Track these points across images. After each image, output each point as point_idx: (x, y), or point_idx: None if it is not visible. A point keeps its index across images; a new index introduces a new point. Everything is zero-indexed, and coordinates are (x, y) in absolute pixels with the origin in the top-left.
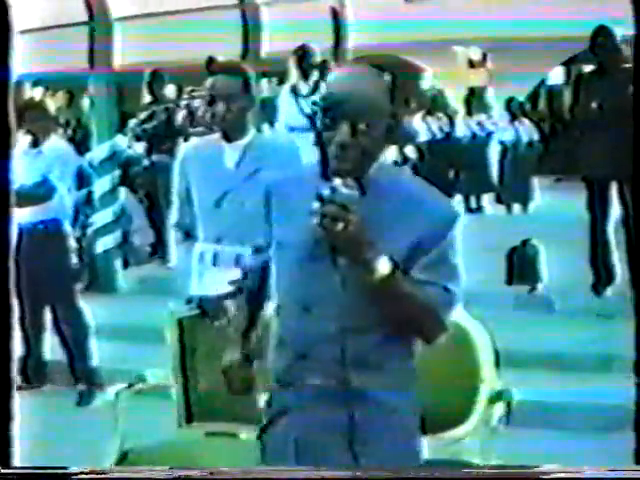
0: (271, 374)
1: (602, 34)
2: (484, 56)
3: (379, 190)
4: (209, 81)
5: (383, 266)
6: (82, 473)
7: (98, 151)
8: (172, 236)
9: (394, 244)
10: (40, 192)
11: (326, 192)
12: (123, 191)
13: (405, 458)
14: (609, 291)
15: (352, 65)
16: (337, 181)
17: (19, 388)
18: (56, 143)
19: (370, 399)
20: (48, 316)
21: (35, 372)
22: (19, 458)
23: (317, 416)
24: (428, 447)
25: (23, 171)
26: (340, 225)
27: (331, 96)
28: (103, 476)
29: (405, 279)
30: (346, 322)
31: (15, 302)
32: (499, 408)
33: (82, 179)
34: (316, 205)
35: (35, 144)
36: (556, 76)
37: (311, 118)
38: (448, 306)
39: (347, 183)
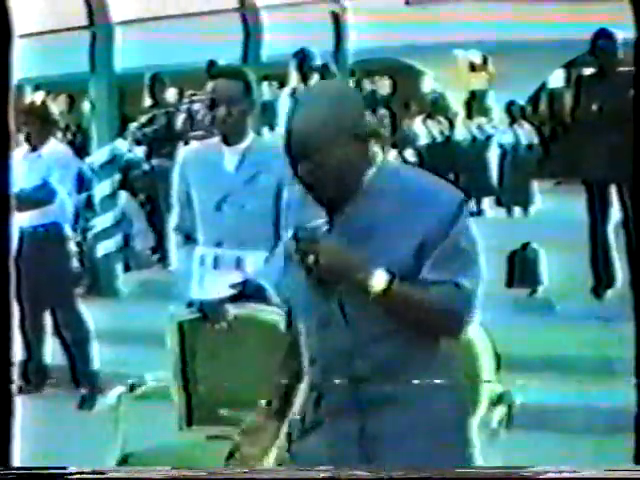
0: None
1: (602, 37)
2: (485, 59)
3: (378, 195)
4: (210, 85)
5: (378, 280)
6: (82, 473)
7: (98, 155)
8: (172, 240)
9: (400, 248)
10: (40, 196)
11: (292, 232)
12: (123, 195)
13: (442, 458)
14: (609, 294)
15: (299, 101)
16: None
17: (20, 392)
18: (56, 147)
19: (394, 407)
20: (48, 320)
21: (36, 376)
22: (20, 461)
23: (342, 429)
24: None
25: (23, 175)
26: (311, 258)
27: (284, 137)
28: (103, 476)
29: (408, 285)
30: (362, 334)
31: (15, 306)
32: (500, 411)
33: (82, 183)
34: (290, 246)
35: (34, 148)
36: (557, 79)
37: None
38: (462, 303)
39: (313, 220)
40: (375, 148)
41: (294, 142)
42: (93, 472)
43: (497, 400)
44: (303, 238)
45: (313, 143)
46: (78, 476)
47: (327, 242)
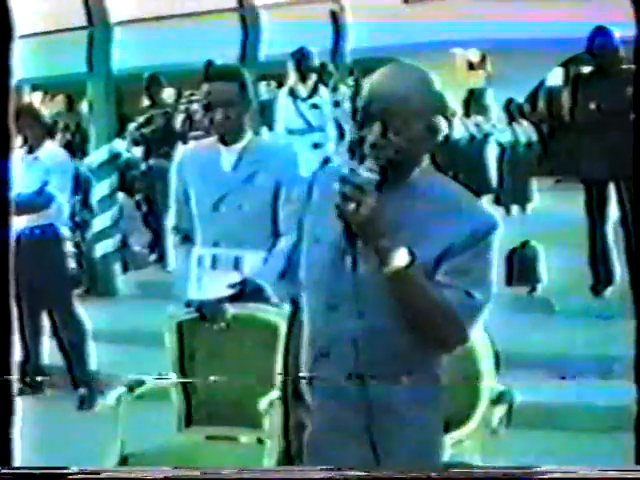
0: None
1: (600, 35)
2: (483, 58)
3: (417, 193)
4: (205, 87)
5: (401, 257)
6: (82, 473)
7: (96, 155)
8: (170, 240)
9: (427, 248)
10: (38, 201)
11: (345, 172)
12: (121, 195)
13: (425, 457)
14: (608, 292)
15: (391, 65)
16: (357, 164)
17: (18, 393)
18: (52, 150)
19: (390, 403)
20: (46, 321)
21: (34, 377)
22: (19, 463)
23: (335, 414)
24: None
25: (20, 178)
26: (352, 205)
27: (365, 96)
28: (103, 476)
29: (424, 278)
30: (369, 322)
31: (14, 307)
32: (500, 410)
33: (80, 184)
34: (335, 186)
35: (31, 150)
36: (555, 77)
37: (308, 121)
38: (469, 312)
39: (369, 167)
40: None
41: (385, 100)
42: (93, 472)
43: (497, 399)
44: (353, 183)
45: (400, 107)
46: (78, 476)
47: (374, 196)
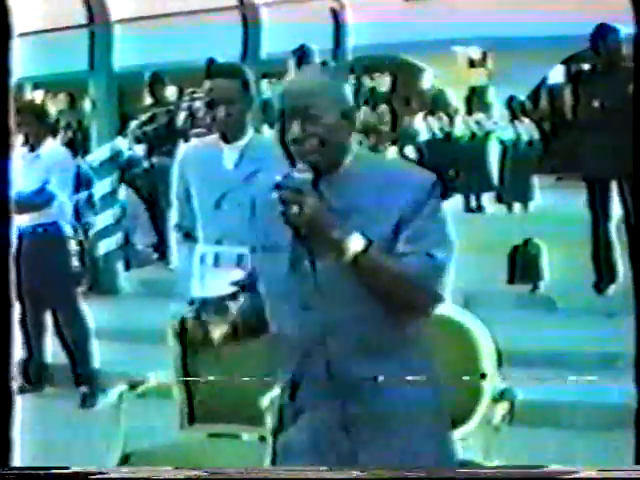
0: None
1: (604, 32)
2: (484, 55)
3: (357, 179)
4: (207, 85)
5: (356, 243)
6: (82, 473)
7: (99, 153)
8: (173, 238)
9: (379, 227)
10: (39, 200)
11: (279, 179)
12: (124, 193)
13: (422, 448)
14: (611, 290)
15: (300, 71)
16: (291, 168)
17: (21, 390)
18: (53, 148)
19: (378, 390)
20: (49, 319)
21: (37, 375)
22: (20, 460)
23: (330, 413)
24: None
25: (21, 176)
26: (295, 208)
27: (281, 101)
28: (104, 476)
29: (383, 254)
30: (343, 314)
31: (16, 305)
32: (502, 407)
33: (82, 182)
34: (274, 194)
35: (32, 148)
36: (557, 75)
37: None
38: (434, 272)
39: (299, 168)
40: (357, 137)
41: (293, 100)
42: (94, 472)
43: (499, 396)
44: (289, 187)
45: (312, 103)
46: (79, 476)
47: (313, 195)
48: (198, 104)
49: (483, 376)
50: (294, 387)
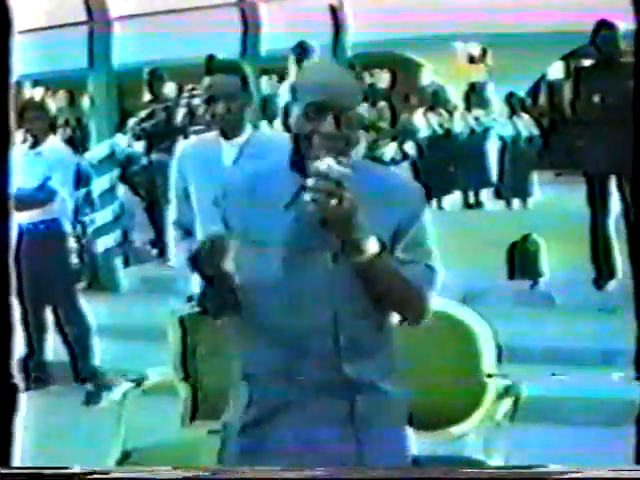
0: (260, 368)
1: (604, 28)
2: (484, 51)
3: (358, 180)
4: (207, 81)
5: (372, 246)
6: (82, 473)
7: (98, 150)
8: (172, 235)
9: (377, 229)
10: (40, 197)
11: (323, 167)
12: (123, 190)
13: (403, 447)
14: (610, 286)
15: (326, 62)
16: (330, 160)
17: (22, 389)
18: (55, 145)
19: (368, 387)
20: (50, 316)
21: (37, 372)
22: (21, 458)
23: (318, 409)
24: (431, 443)
25: (22, 172)
26: (334, 201)
27: (312, 87)
28: (106, 476)
29: (391, 259)
30: (339, 311)
31: (16, 303)
32: (505, 404)
33: (81, 179)
34: (311, 181)
35: (34, 145)
36: (556, 71)
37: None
38: (430, 284)
39: (340, 161)
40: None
41: (337, 92)
42: (95, 472)
43: (504, 393)
44: (330, 178)
45: (353, 99)
46: (80, 476)
47: (350, 190)
48: (197, 101)
49: (490, 376)
50: (274, 382)
